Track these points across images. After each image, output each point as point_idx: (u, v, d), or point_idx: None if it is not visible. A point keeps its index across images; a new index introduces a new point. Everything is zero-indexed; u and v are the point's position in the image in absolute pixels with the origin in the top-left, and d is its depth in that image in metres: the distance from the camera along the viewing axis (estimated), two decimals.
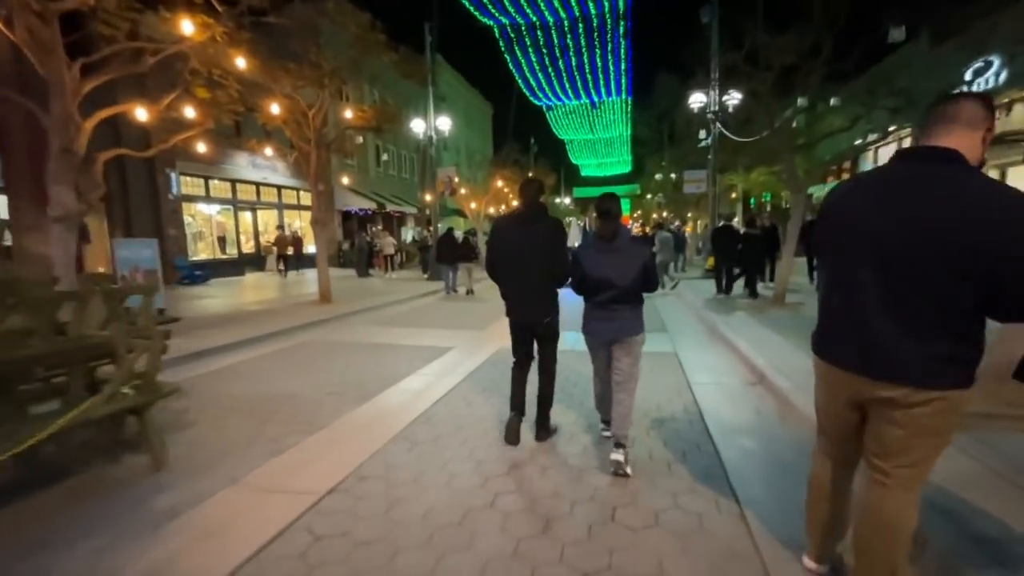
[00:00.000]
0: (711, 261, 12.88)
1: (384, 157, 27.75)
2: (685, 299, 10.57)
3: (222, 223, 17.71)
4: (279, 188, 19.82)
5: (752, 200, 27.31)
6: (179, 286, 13.64)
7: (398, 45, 9.98)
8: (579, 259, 3.15)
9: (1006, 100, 12.14)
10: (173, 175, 14.72)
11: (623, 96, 35.39)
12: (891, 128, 8.98)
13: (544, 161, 25.73)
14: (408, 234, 28.51)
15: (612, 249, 3.07)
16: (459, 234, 13.03)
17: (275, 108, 8.91)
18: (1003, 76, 11.52)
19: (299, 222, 21.76)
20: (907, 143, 7.13)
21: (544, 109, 39.42)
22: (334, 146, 10.58)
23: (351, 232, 22.71)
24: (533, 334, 3.53)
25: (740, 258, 10.12)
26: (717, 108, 13.14)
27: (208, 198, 16.48)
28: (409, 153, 29.57)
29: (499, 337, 6.79)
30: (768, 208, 23.61)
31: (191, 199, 15.96)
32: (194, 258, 15.67)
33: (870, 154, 22.26)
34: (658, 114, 25.78)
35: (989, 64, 12.13)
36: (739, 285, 10.55)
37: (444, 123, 15.05)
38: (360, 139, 18.21)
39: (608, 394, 3.28)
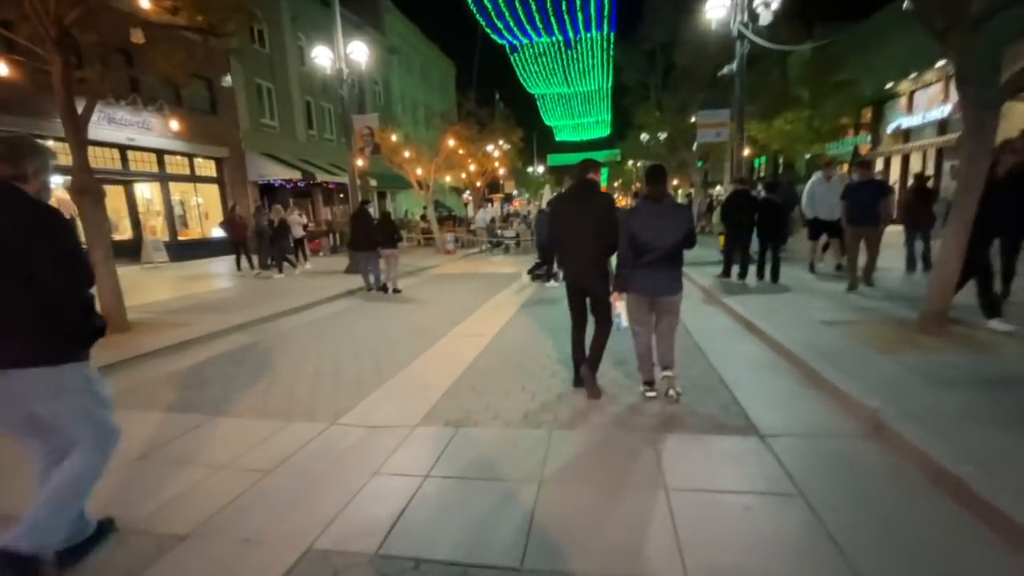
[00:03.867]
0: (722, 239, 9.09)
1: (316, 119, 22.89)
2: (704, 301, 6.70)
3: (66, 201, 12.98)
4: (159, 153, 15.05)
5: (759, 160, 23.43)
6: None
7: None
8: (628, 223, 3.41)
9: None
10: None
11: (604, 31, 30.30)
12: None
13: (513, 121, 21.17)
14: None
15: (660, 212, 3.38)
16: (390, 209, 8.83)
17: None
18: None
19: (198, 198, 17.07)
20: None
21: (508, 51, 33.91)
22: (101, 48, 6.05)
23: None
24: (587, 296, 3.74)
25: (762, 232, 7.64)
26: (746, 18, 9.06)
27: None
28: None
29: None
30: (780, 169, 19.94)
31: None
32: None
33: (903, 100, 18.65)
34: (649, 51, 21.38)
35: None
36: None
37: (360, 51, 10.57)
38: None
39: (649, 356, 3.62)
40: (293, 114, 21.36)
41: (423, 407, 3.71)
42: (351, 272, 10.48)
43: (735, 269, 7.92)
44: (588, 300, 3.77)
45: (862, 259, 6.61)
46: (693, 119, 18.92)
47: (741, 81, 9.31)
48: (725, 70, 9.73)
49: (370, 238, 8.40)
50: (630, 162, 40.29)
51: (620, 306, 3.56)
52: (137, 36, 5.63)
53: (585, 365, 3.76)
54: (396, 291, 9.00)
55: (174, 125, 14.98)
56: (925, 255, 7.68)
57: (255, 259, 12.27)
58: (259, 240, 13.00)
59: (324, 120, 23.57)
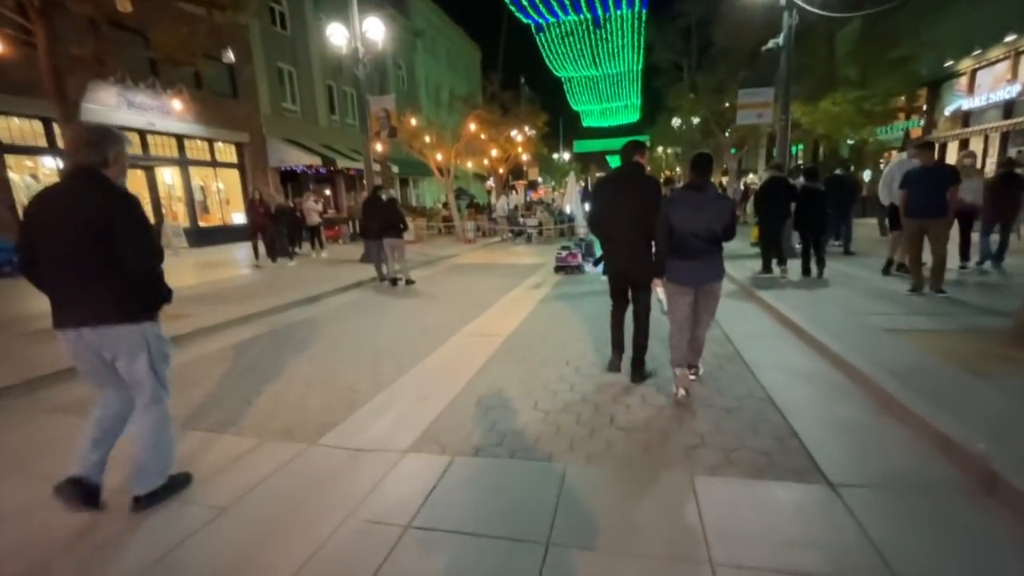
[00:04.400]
0: (754, 230, 8.24)
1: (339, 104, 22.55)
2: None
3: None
4: (179, 138, 14.90)
5: (796, 146, 22.07)
6: None
7: None
8: (666, 212, 3.31)
9: None
10: None
11: (635, 7, 28.55)
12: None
13: (538, 105, 20.22)
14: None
15: (701, 203, 3.27)
16: (390, 196, 8.35)
17: None
18: None
19: (219, 184, 16.94)
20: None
21: (534, 30, 32.40)
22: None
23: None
24: (629, 282, 3.73)
25: (802, 223, 6.93)
26: None
27: (54, 149, 11.65)
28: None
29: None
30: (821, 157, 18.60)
31: (22, 151, 11.22)
32: None
33: (963, 80, 17.12)
34: (684, 29, 20.06)
35: None
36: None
37: (376, 29, 9.99)
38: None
39: (685, 343, 3.50)
40: (315, 99, 21.05)
41: (418, 426, 3.20)
42: (366, 261, 10.06)
43: (775, 264, 7.17)
44: (630, 287, 3.75)
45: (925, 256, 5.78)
46: (728, 104, 17.83)
47: (788, 56, 8.39)
48: (771, 44, 8.81)
49: (377, 224, 7.92)
50: (660, 148, 38.93)
51: (660, 291, 3.59)
52: (123, 4, 5.21)
53: (632, 362, 3.80)
54: (409, 282, 8.53)
55: (194, 109, 14.80)
56: (1000, 251, 6.78)
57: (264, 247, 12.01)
58: (275, 227, 12.75)
59: (346, 105, 23.21)
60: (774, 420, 3.12)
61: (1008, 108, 14.66)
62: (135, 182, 14.11)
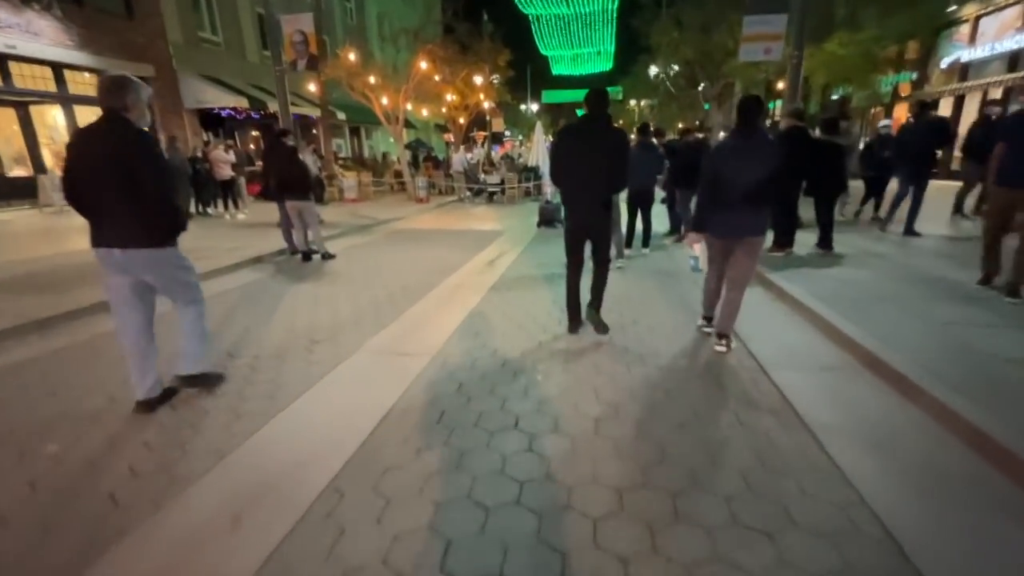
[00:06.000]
0: None
1: None
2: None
3: None
4: (55, 67, 12.04)
5: (773, 104, 20.46)
6: None
7: None
8: (712, 159, 3.23)
9: None
10: None
11: None
12: None
13: (499, 41, 17.55)
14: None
15: (748, 149, 3.12)
16: (296, 146, 6.34)
17: None
18: None
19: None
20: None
21: None
22: None
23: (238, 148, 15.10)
24: (590, 236, 3.63)
25: (820, 185, 5.73)
26: None
27: None
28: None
29: None
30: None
31: None
32: None
33: (963, 29, 15.72)
34: None
35: None
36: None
37: None
38: None
39: (717, 292, 3.55)
40: (241, 28, 17.93)
41: (253, 557, 1.56)
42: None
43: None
44: (590, 241, 3.65)
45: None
46: (717, 41, 15.68)
47: None
48: None
49: (279, 181, 5.96)
50: (632, 101, 36.80)
51: (697, 248, 3.56)
52: None
53: (590, 306, 3.72)
54: (327, 257, 6.68)
55: (74, 31, 11.92)
56: None
57: None
58: (176, 181, 10.45)
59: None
60: (884, 548, 1.62)
61: (1014, 60, 13.41)
62: None
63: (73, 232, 8.39)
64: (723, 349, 3.38)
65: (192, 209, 10.27)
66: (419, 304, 4.70)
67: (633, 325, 4.03)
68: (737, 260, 3.30)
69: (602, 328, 3.67)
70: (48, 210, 11.31)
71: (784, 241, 5.73)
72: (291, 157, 6.03)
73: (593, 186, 3.41)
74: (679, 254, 6.68)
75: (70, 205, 2.56)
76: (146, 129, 2.57)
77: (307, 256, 6.54)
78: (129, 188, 2.43)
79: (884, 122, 6.90)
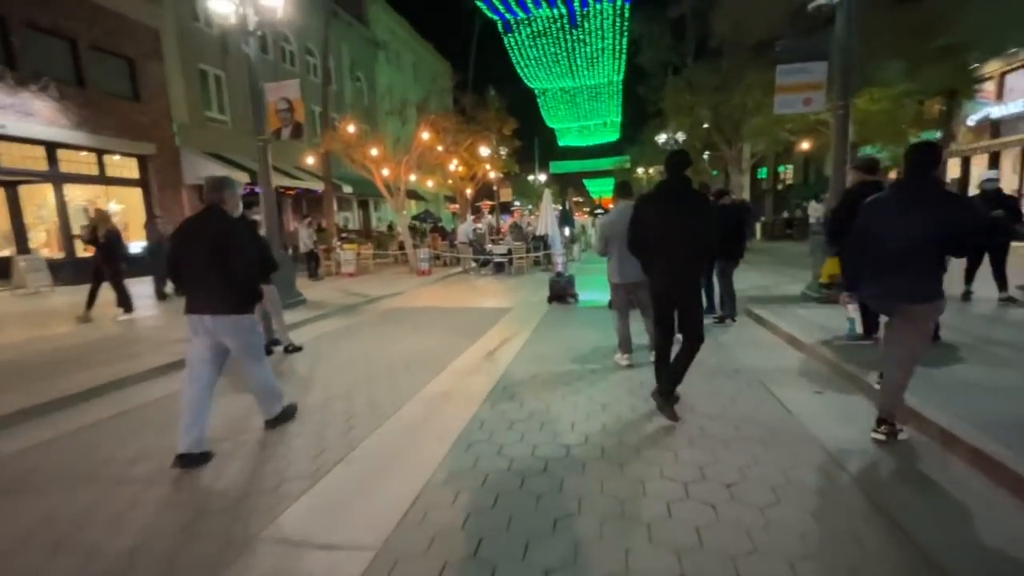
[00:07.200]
0: (831, 265, 5.33)
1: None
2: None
3: None
4: (50, 146, 11.69)
5: (762, 171, 19.76)
6: None
7: None
8: (866, 214, 2.86)
9: None
10: None
11: (617, 0, 25.50)
12: None
13: (504, 111, 17.39)
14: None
15: (909, 202, 2.71)
16: (259, 218, 5.39)
17: None
18: None
19: (114, 205, 13.68)
20: None
21: (502, 29, 29.26)
22: None
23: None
24: (676, 306, 3.41)
25: None
26: None
27: None
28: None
29: None
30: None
31: None
32: None
33: (988, 86, 15.10)
34: (676, 20, 17.46)
35: None
36: None
37: None
38: None
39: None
40: (249, 108, 18.04)
41: None
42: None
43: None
44: (676, 313, 3.41)
45: None
46: (737, 100, 15.02)
47: (850, 10, 5.78)
48: (813, 2, 6.23)
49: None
50: (640, 169, 36.86)
51: (851, 308, 3.53)
52: None
53: (666, 382, 3.39)
54: (291, 350, 5.51)
55: (74, 111, 11.72)
56: None
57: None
58: (153, 260, 9.65)
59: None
60: None
61: None
62: None
63: (47, 316, 7.38)
64: (880, 437, 2.85)
65: (167, 289, 9.35)
66: (376, 436, 3.34)
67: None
68: (890, 330, 2.96)
69: (672, 415, 3.31)
70: (20, 292, 10.49)
71: (871, 327, 4.41)
72: (250, 233, 5.02)
73: (678, 250, 3.26)
74: (725, 339, 5.41)
75: (169, 277, 3.30)
76: (236, 217, 3.21)
77: (268, 348, 5.37)
78: (220, 265, 2.94)
79: (990, 174, 5.75)
